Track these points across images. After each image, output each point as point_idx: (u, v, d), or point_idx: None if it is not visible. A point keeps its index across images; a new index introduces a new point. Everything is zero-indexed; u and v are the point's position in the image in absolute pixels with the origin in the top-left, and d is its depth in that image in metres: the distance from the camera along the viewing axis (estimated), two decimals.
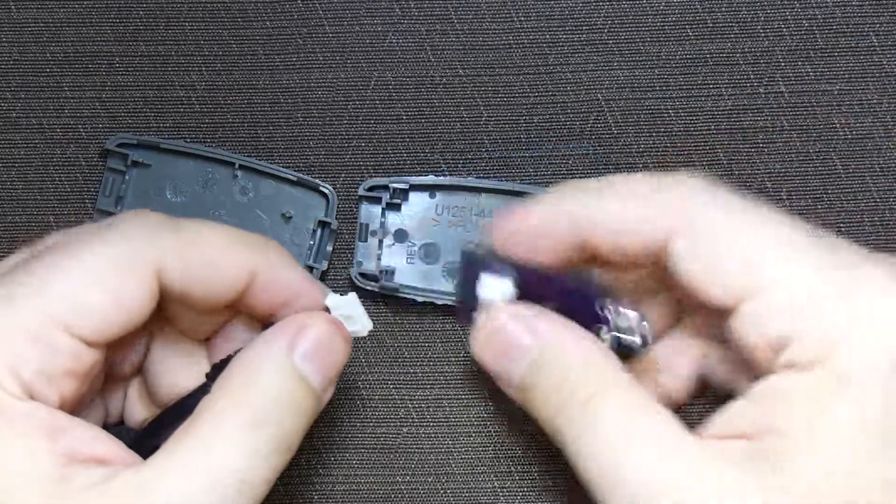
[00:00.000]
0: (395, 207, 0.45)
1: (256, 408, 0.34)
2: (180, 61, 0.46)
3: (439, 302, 0.44)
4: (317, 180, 0.45)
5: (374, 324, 0.38)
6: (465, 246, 0.37)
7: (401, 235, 0.45)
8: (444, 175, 0.46)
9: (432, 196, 0.45)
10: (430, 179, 0.45)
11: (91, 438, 0.33)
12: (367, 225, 0.45)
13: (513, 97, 0.46)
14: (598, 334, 0.37)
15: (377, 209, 0.45)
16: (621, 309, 0.37)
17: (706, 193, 0.35)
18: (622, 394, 0.34)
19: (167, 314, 0.37)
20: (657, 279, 0.39)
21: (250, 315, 0.39)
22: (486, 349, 0.37)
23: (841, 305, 0.33)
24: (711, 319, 0.39)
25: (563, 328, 0.36)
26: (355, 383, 0.45)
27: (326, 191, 0.45)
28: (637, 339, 0.38)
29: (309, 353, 0.35)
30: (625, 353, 0.37)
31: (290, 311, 0.37)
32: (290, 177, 0.45)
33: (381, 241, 0.45)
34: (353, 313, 0.38)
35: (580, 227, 0.36)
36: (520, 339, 0.36)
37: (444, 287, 0.45)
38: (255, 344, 0.36)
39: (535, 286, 0.37)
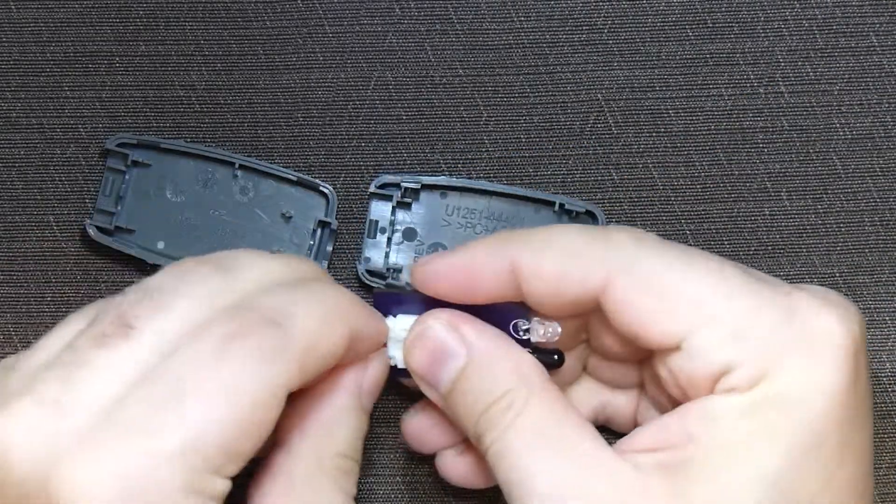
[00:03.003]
0: (406, 206, 0.45)
1: (346, 445, 0.37)
2: (180, 61, 0.46)
3: None
4: (317, 180, 0.45)
5: None
6: (376, 288, 0.39)
7: (410, 234, 0.45)
8: (457, 176, 0.46)
9: (443, 196, 0.45)
10: (442, 180, 0.45)
11: None
12: (376, 222, 0.45)
13: (513, 97, 0.46)
14: None
15: (388, 206, 0.45)
16: (535, 325, 0.38)
17: (637, 243, 0.36)
18: (544, 402, 0.35)
19: None
20: (572, 336, 0.40)
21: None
22: (415, 353, 0.38)
23: (778, 330, 0.34)
24: (620, 369, 0.40)
25: (493, 336, 0.37)
26: None
27: (326, 191, 0.45)
28: (554, 356, 0.38)
29: (369, 391, 0.38)
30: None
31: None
32: (290, 177, 0.45)
33: (389, 239, 0.45)
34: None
35: (514, 277, 0.36)
36: (450, 345, 0.37)
37: None
38: (333, 391, 0.37)
39: None
